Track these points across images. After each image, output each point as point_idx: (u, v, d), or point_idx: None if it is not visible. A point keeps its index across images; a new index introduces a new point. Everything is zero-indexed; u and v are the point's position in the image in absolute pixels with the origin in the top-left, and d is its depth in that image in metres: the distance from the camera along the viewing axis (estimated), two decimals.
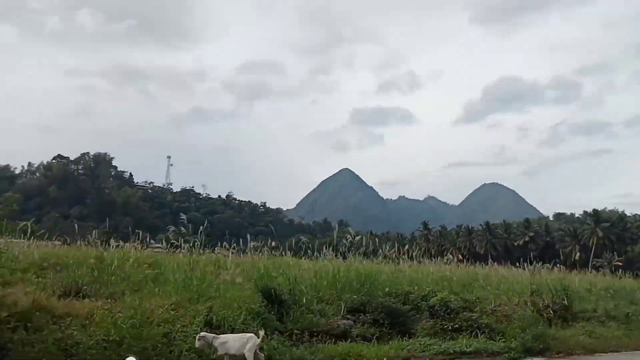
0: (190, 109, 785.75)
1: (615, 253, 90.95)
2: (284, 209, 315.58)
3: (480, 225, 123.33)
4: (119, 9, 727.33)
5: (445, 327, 9.55)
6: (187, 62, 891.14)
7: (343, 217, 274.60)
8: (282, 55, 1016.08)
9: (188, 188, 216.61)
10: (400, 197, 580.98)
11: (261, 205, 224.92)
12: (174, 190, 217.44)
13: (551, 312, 12.43)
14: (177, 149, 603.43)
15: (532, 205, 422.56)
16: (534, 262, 20.38)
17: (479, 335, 9.16)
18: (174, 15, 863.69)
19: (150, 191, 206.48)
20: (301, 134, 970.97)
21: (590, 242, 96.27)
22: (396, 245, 16.89)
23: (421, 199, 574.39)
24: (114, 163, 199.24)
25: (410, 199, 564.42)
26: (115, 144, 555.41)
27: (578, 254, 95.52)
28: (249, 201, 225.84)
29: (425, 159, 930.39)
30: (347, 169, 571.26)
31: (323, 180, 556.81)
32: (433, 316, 9.94)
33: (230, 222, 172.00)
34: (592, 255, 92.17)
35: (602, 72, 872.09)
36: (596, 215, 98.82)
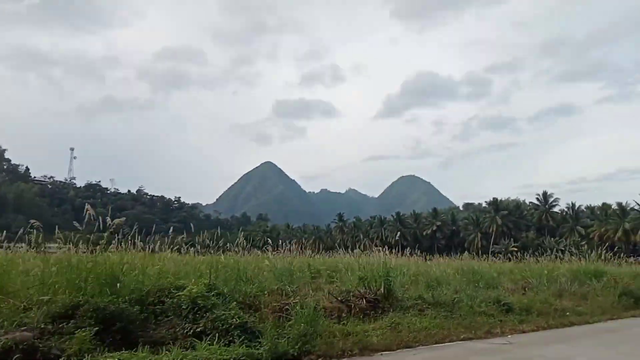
0: (100, 98, 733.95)
1: (512, 239, 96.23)
2: (203, 204, 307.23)
3: (392, 215, 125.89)
4: None
5: (186, 331, 7.25)
6: (98, 48, 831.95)
7: (265, 210, 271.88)
8: (203, 44, 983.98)
9: (94, 183, 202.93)
10: (322, 189, 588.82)
11: (175, 201, 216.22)
12: (78, 186, 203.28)
13: (363, 302, 10.62)
14: (85, 141, 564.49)
15: (445, 196, 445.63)
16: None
17: (221, 339, 6.90)
18: None
19: (49, 186, 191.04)
20: (222, 126, 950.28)
21: (490, 229, 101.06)
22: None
23: (342, 192, 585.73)
24: (6, 155, 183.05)
25: (332, 192, 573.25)
26: (9, 134, 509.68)
27: (480, 241, 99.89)
28: (161, 196, 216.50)
29: (346, 152, 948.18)
30: (269, 162, 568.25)
31: (244, 174, 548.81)
32: (179, 317, 7.61)
33: (140, 218, 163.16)
34: (492, 242, 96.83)
35: (509, 70, 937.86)
36: (495, 204, 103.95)
